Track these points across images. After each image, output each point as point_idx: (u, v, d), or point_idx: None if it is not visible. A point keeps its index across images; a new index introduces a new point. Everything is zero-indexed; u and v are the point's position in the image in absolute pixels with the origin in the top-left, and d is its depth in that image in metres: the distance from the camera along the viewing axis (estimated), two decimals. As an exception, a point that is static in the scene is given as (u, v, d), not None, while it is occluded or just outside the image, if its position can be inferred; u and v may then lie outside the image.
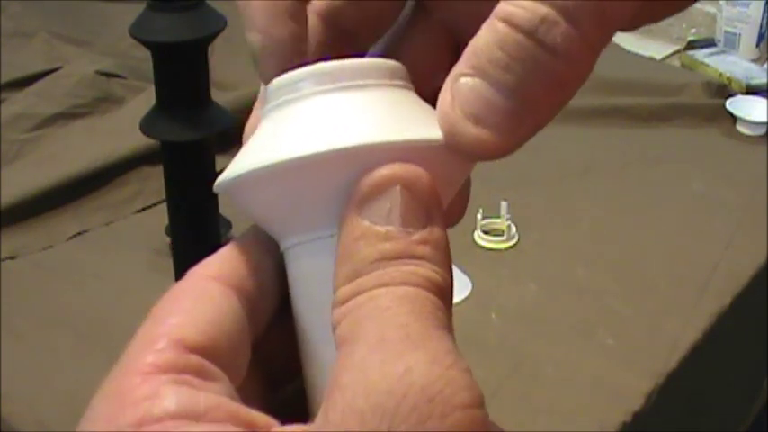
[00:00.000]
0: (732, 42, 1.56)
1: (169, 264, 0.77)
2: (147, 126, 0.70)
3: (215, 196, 0.73)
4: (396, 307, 0.23)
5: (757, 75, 1.44)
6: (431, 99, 0.27)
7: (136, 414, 0.22)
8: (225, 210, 0.78)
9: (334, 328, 0.24)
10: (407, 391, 0.21)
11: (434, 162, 0.25)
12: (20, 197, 1.06)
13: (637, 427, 0.83)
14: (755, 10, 1.54)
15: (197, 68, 0.68)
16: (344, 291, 0.24)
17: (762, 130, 1.30)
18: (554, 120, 0.25)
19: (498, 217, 1.04)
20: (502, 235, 1.04)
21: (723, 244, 1.05)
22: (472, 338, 0.88)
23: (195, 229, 0.73)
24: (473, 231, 1.04)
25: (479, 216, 1.04)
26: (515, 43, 0.24)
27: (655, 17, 0.27)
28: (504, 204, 1.04)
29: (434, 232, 0.24)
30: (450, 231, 0.25)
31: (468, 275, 0.98)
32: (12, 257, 1.01)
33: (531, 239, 1.06)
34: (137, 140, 1.08)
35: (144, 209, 1.10)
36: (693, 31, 1.63)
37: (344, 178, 0.24)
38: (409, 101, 0.26)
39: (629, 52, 1.49)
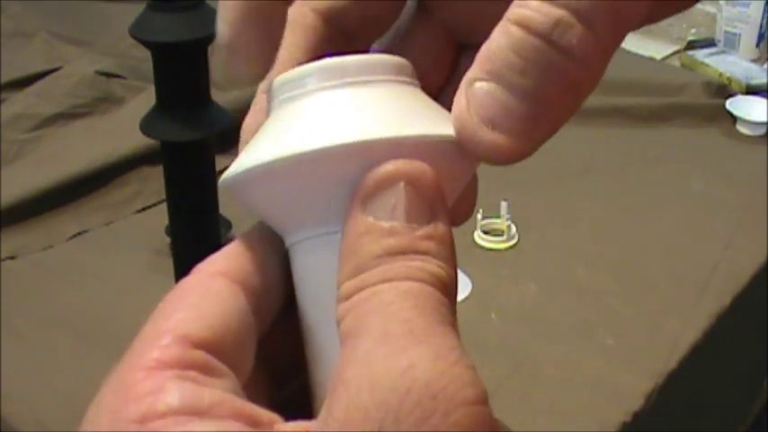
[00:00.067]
0: (732, 42, 1.56)
1: (169, 264, 0.77)
2: (147, 126, 0.70)
3: (215, 196, 0.73)
4: (399, 302, 0.23)
5: (757, 75, 1.44)
6: (432, 97, 0.27)
7: (139, 409, 0.22)
8: (225, 210, 0.78)
9: (338, 324, 0.24)
10: (411, 386, 0.21)
11: (439, 158, 0.25)
12: (20, 197, 1.06)
13: (637, 427, 0.83)
14: (755, 10, 1.54)
15: (197, 68, 0.68)
16: (348, 286, 0.24)
17: (762, 130, 1.30)
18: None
19: (498, 217, 1.04)
20: (502, 235, 1.04)
21: (723, 244, 1.05)
22: (472, 338, 0.88)
23: (195, 229, 0.73)
24: (473, 231, 1.04)
25: (479, 216, 1.04)
26: (530, 47, 0.23)
27: (657, 17, 0.27)
28: (504, 204, 1.04)
29: (439, 228, 0.24)
30: (450, 232, 0.25)
31: (469, 275, 0.98)
32: (12, 257, 1.01)
33: (531, 239, 1.06)
34: (137, 140, 1.08)
35: (144, 209, 1.10)
36: (693, 31, 1.63)
37: (349, 174, 0.24)
38: (415, 97, 0.26)
39: (629, 52, 1.49)
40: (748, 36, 1.55)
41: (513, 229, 1.05)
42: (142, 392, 0.23)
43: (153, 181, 1.10)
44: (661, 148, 1.27)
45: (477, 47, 0.25)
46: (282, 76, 0.27)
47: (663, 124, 1.33)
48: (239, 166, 0.26)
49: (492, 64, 0.24)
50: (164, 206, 0.75)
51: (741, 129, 1.31)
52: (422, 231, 0.24)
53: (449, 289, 0.24)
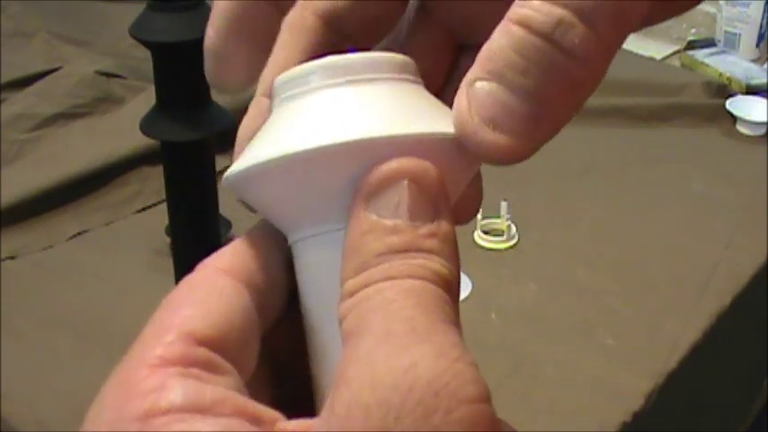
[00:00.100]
0: (732, 42, 1.56)
1: (169, 264, 0.77)
2: (147, 126, 0.70)
3: (215, 196, 0.73)
4: (402, 300, 0.23)
5: (757, 75, 1.44)
6: None
7: (142, 406, 0.22)
8: (225, 210, 0.78)
9: (340, 322, 0.24)
10: (413, 384, 0.21)
11: (443, 156, 0.25)
12: (20, 197, 1.06)
13: (637, 427, 0.83)
14: (755, 10, 1.54)
15: (197, 68, 0.68)
16: (351, 284, 0.24)
17: (762, 130, 1.30)
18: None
19: (498, 217, 1.04)
20: (502, 235, 1.04)
21: (723, 244, 1.05)
22: (472, 338, 0.87)
23: (195, 229, 0.73)
24: (473, 231, 1.04)
25: (479, 216, 1.04)
26: (532, 46, 0.23)
27: (658, 18, 0.27)
28: (504, 204, 1.04)
29: (442, 226, 0.24)
30: (450, 231, 0.25)
31: (468, 275, 0.98)
32: (12, 257, 1.01)
33: (531, 239, 1.06)
34: (137, 140, 1.08)
35: (144, 209, 1.10)
36: (693, 31, 1.63)
37: (353, 171, 0.24)
38: (419, 95, 0.26)
39: (629, 52, 1.49)
40: (748, 36, 1.55)
41: (513, 229, 1.05)
42: (145, 390, 0.23)
43: (153, 181, 1.10)
44: (661, 148, 1.27)
45: (477, 47, 0.25)
46: (284, 74, 0.27)
47: (663, 124, 1.33)
48: (241, 164, 0.26)
49: (493, 64, 0.24)
50: (164, 206, 0.75)
51: (741, 129, 1.31)
52: (425, 229, 0.24)
53: (451, 287, 0.24)
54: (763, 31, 1.56)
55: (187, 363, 0.23)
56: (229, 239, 0.74)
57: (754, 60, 1.53)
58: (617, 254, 1.05)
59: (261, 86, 0.28)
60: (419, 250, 0.24)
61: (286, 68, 0.27)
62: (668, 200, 1.15)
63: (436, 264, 0.24)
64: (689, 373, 0.92)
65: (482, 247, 1.04)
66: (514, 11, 0.24)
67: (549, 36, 0.23)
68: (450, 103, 0.25)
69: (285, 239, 0.27)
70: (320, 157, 0.24)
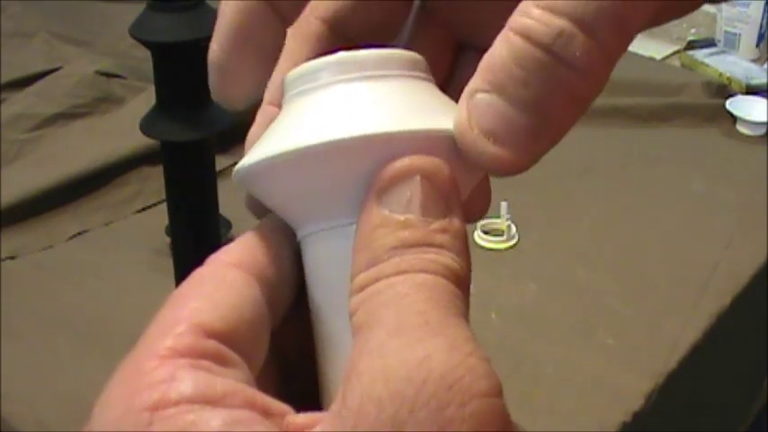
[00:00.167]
0: (732, 42, 1.56)
1: (169, 264, 0.77)
2: (147, 126, 0.70)
3: (215, 196, 0.73)
4: (414, 294, 0.23)
5: (757, 75, 1.44)
6: None
7: (152, 397, 0.22)
8: (225, 210, 0.78)
9: (351, 316, 0.24)
10: (427, 377, 0.21)
11: (454, 153, 0.25)
12: (20, 197, 1.06)
13: (637, 427, 0.83)
14: (755, 10, 1.54)
15: (197, 68, 0.68)
16: (362, 278, 0.24)
17: (762, 130, 1.30)
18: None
19: (498, 217, 1.04)
20: (502, 235, 1.04)
21: (723, 244, 1.05)
22: (472, 338, 0.88)
23: (195, 229, 0.73)
24: (473, 231, 1.04)
25: (480, 216, 1.04)
26: (532, 58, 0.23)
27: (660, 21, 0.27)
28: (504, 204, 1.04)
29: (453, 222, 0.24)
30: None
31: (468, 275, 0.97)
32: (12, 257, 1.01)
33: (531, 239, 1.06)
34: (137, 140, 1.08)
35: (144, 209, 1.10)
36: (693, 31, 1.63)
37: (364, 166, 0.25)
38: (430, 93, 0.26)
39: (629, 52, 1.48)
40: (748, 36, 1.55)
41: (513, 229, 1.05)
42: (155, 380, 0.23)
43: (153, 181, 1.10)
44: (661, 148, 1.27)
45: (477, 47, 0.25)
46: (295, 70, 0.27)
47: (663, 124, 1.33)
48: (250, 158, 0.26)
49: (493, 75, 0.24)
50: (164, 206, 0.75)
51: (741, 129, 1.31)
52: (436, 225, 0.24)
53: (462, 282, 0.24)
54: (763, 31, 1.56)
55: (197, 354, 0.23)
56: (229, 239, 0.74)
57: (754, 60, 1.53)
58: (617, 254, 1.05)
59: (268, 94, 0.28)
60: (431, 245, 0.24)
61: None
62: (668, 200, 1.15)
63: (448, 259, 0.24)
64: (689, 373, 0.92)
65: (482, 247, 1.04)
66: (515, 20, 0.24)
67: (549, 47, 0.23)
68: None
69: (294, 234, 0.27)
70: (332, 152, 0.24)
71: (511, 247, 1.05)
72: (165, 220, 0.81)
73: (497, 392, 0.22)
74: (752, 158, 1.24)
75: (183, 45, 0.66)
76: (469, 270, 0.25)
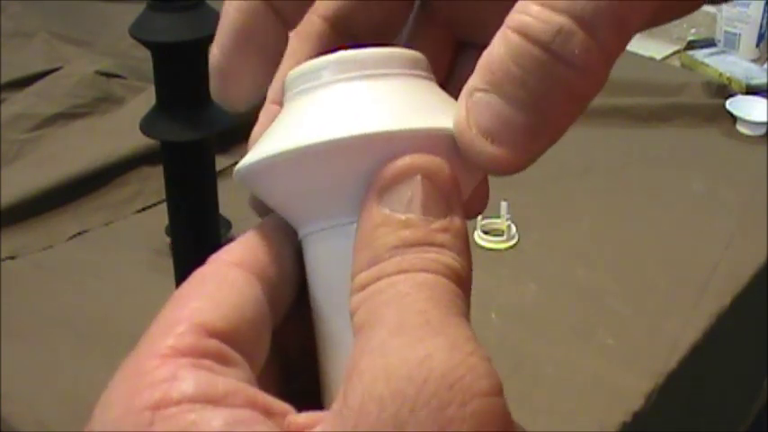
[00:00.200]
0: (732, 42, 1.56)
1: (169, 264, 0.77)
2: (147, 126, 0.70)
3: (215, 196, 0.73)
4: (415, 293, 0.23)
5: (757, 75, 1.44)
6: None
7: (153, 396, 0.22)
8: (225, 210, 0.78)
9: (352, 315, 0.23)
10: (428, 376, 0.21)
11: (455, 152, 0.25)
12: (20, 197, 1.06)
13: (637, 427, 0.83)
14: (755, 10, 1.54)
15: (197, 68, 0.68)
16: (363, 277, 0.24)
17: (762, 130, 1.30)
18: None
19: (498, 217, 1.04)
20: (502, 235, 1.04)
21: (723, 244, 1.05)
22: (472, 338, 0.88)
23: (195, 229, 0.73)
24: (473, 231, 1.04)
25: (479, 216, 1.04)
26: (530, 56, 0.23)
27: (660, 21, 0.27)
28: (504, 204, 1.04)
29: (454, 221, 0.24)
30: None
31: (468, 275, 0.97)
32: (12, 257, 1.01)
33: (531, 239, 1.06)
34: (137, 140, 1.08)
35: (144, 209, 1.10)
36: (693, 31, 1.63)
37: (365, 165, 0.24)
38: (431, 91, 0.26)
39: (629, 52, 1.49)
40: (748, 36, 1.55)
41: (513, 229, 1.05)
42: (157, 379, 0.23)
43: (153, 181, 1.10)
44: (661, 148, 1.27)
45: (477, 45, 0.25)
46: (296, 69, 0.27)
47: (663, 124, 1.33)
48: (252, 157, 0.26)
49: (491, 74, 0.24)
50: (164, 206, 0.75)
51: (741, 129, 1.31)
52: (437, 224, 0.24)
53: (463, 281, 0.24)
54: (763, 31, 1.56)
55: (198, 354, 0.23)
56: (229, 239, 0.74)
57: (754, 60, 1.53)
58: (617, 254, 1.05)
59: (271, 93, 0.28)
60: (432, 244, 0.24)
61: None
62: (668, 200, 1.15)
63: (449, 258, 0.24)
64: (689, 373, 0.92)
65: (482, 247, 1.04)
66: (513, 17, 0.23)
67: (547, 45, 0.23)
68: None
69: (295, 233, 0.27)
70: (333, 150, 0.24)
71: (511, 247, 1.05)
72: (165, 220, 0.81)
73: (498, 392, 0.22)
74: (752, 158, 1.24)
75: (183, 45, 0.66)
76: (470, 269, 0.25)
